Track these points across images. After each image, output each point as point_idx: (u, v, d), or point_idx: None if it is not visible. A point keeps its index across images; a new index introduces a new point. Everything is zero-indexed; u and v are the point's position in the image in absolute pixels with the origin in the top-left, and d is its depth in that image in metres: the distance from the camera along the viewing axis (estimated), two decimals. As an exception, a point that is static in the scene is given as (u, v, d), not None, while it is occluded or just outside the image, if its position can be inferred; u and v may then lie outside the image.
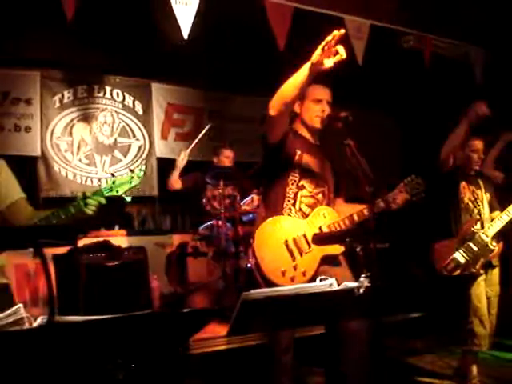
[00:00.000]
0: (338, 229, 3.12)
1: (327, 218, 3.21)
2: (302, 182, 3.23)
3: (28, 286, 5.24)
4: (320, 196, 3.27)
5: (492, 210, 4.36)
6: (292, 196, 3.21)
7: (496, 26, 5.72)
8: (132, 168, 6.55)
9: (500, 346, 4.79)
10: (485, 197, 4.34)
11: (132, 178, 2.65)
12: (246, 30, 5.63)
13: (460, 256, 4.15)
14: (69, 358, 1.61)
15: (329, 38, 2.67)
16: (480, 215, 4.28)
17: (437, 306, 3.64)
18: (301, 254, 3.12)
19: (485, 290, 4.25)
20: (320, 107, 3.25)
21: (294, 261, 3.10)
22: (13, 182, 2.73)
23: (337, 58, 2.73)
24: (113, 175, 2.67)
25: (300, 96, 3.10)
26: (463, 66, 6.07)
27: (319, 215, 3.22)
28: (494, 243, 4.19)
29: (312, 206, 3.22)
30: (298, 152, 3.23)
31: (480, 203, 4.33)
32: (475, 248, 4.15)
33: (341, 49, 2.70)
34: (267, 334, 3.27)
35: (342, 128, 3.08)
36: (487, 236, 4.17)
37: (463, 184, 4.31)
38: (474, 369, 4.29)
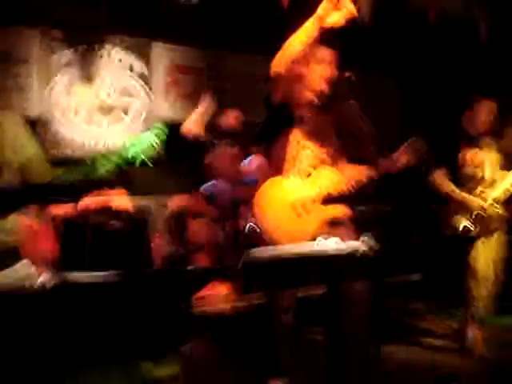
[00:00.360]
0: (345, 190, 3.11)
1: (329, 178, 3.20)
2: (305, 142, 3.21)
3: (33, 247, 5.26)
4: (324, 156, 3.25)
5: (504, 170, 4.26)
6: (294, 155, 3.20)
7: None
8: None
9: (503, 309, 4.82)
10: (489, 157, 4.25)
11: (149, 136, 2.65)
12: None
13: (469, 224, 4.10)
14: (73, 315, 1.63)
15: None
16: (482, 178, 4.22)
17: (437, 267, 3.68)
18: (307, 214, 3.12)
19: (486, 253, 4.22)
20: (324, 67, 3.21)
21: (296, 221, 3.10)
22: (29, 136, 2.72)
23: (346, 14, 2.66)
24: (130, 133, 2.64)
25: (305, 54, 3.06)
26: (467, 23, 5.97)
27: (321, 175, 3.21)
28: (498, 206, 4.14)
29: (315, 166, 3.21)
30: (302, 111, 3.21)
31: (485, 166, 4.24)
32: (479, 212, 4.11)
33: (350, 4, 2.64)
34: (267, 294, 3.30)
35: (345, 88, 3.06)
36: (496, 200, 4.12)
37: (465, 151, 4.25)
38: (474, 331, 4.32)
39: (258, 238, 3.10)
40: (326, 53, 3.24)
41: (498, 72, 6.48)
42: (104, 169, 2.50)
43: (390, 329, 4.48)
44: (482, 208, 4.08)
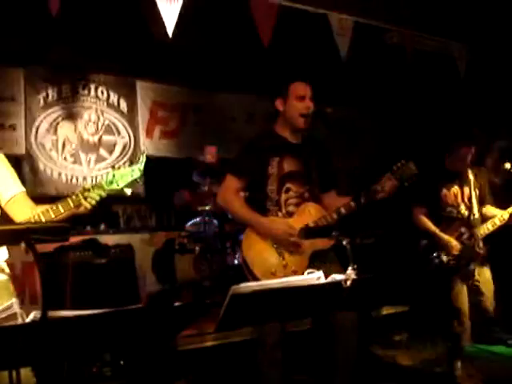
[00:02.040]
0: (325, 223, 3.13)
1: (313, 214, 3.23)
2: (287, 185, 3.25)
3: (15, 286, 5.22)
4: (306, 194, 3.29)
5: (484, 204, 4.34)
6: (275, 202, 3.24)
7: (477, 22, 5.78)
8: (116, 166, 6.55)
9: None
10: (474, 194, 4.29)
11: (133, 170, 2.62)
12: (232, 27, 5.65)
13: (443, 256, 4.18)
14: (60, 352, 1.63)
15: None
16: (469, 217, 4.29)
17: (421, 299, 3.69)
18: (290, 253, 3.14)
19: (478, 289, 4.23)
20: (304, 104, 3.26)
21: (283, 260, 3.12)
22: (13, 175, 2.72)
23: None
24: (113, 167, 2.65)
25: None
26: (446, 60, 6.12)
27: (305, 212, 3.23)
28: (481, 247, 4.20)
29: (299, 206, 3.24)
30: (277, 159, 3.25)
31: (464, 203, 4.29)
32: (459, 247, 4.18)
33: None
34: (257, 328, 3.30)
35: (325, 124, 3.12)
36: (475, 239, 4.15)
37: (444, 190, 4.29)
38: (458, 364, 4.36)
39: (245, 274, 3.11)
40: (303, 87, 3.30)
41: (477, 105, 6.65)
42: (89, 202, 2.50)
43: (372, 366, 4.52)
44: (461, 250, 4.18)
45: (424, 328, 4.54)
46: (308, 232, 2.79)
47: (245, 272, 3.13)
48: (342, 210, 3.13)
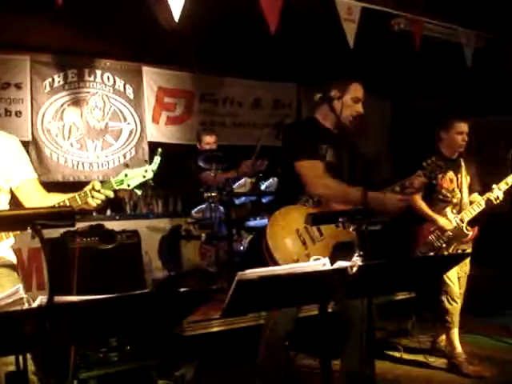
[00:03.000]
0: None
1: (335, 206, 3.23)
2: None
3: (22, 271, 5.26)
4: None
5: (471, 192, 4.44)
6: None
7: (487, 8, 5.72)
8: (126, 161, 6.57)
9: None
10: (464, 180, 4.45)
11: (146, 171, 2.54)
12: (238, 13, 5.60)
13: (434, 239, 4.27)
14: (67, 337, 1.64)
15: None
16: (460, 201, 4.40)
17: (428, 285, 3.71)
18: (313, 243, 3.15)
19: (457, 269, 4.40)
20: (358, 107, 3.29)
21: (306, 249, 3.13)
22: (26, 161, 2.72)
23: None
24: (127, 166, 2.59)
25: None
26: (454, 48, 6.08)
27: (331, 204, 3.23)
28: (469, 228, 4.29)
29: None
30: (324, 147, 3.25)
31: (458, 189, 4.44)
32: (450, 233, 4.26)
33: None
34: (270, 314, 3.32)
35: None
36: (462, 221, 4.27)
37: (440, 176, 4.34)
38: (458, 345, 4.46)
39: (265, 259, 3.12)
40: (361, 91, 3.35)
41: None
42: (95, 202, 2.45)
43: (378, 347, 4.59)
44: (453, 228, 4.29)
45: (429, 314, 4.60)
46: (315, 218, 2.78)
47: (265, 257, 3.12)
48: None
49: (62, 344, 1.62)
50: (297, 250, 3.12)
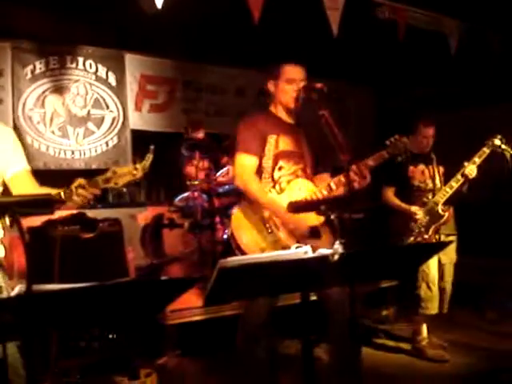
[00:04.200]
0: (315, 199, 3.14)
1: (303, 190, 3.24)
2: (280, 164, 3.26)
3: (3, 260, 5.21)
4: (300, 173, 3.30)
5: (447, 180, 4.50)
6: (270, 179, 3.24)
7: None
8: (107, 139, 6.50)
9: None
10: (436, 170, 4.58)
11: (136, 169, 2.40)
12: (222, 0, 5.57)
13: (413, 225, 4.36)
14: (47, 326, 1.62)
15: None
16: (434, 187, 4.51)
17: (409, 273, 3.73)
18: (279, 229, 3.15)
19: (438, 257, 4.51)
20: (294, 87, 3.26)
21: (274, 236, 3.13)
22: (19, 151, 2.68)
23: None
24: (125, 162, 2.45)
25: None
26: (438, 37, 6.10)
27: (295, 188, 3.25)
28: (444, 209, 4.40)
29: (290, 181, 3.26)
30: (274, 136, 3.25)
31: (431, 179, 4.56)
32: (426, 216, 4.34)
33: None
34: (244, 304, 3.32)
35: (317, 99, 3.10)
36: (437, 203, 4.40)
37: (411, 168, 4.56)
38: (424, 330, 4.53)
39: (233, 249, 3.12)
40: (293, 71, 3.30)
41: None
42: (80, 199, 2.40)
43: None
44: (425, 212, 4.40)
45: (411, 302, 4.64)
46: (296, 206, 2.78)
47: (233, 247, 3.13)
48: (333, 186, 3.14)
49: (42, 333, 1.61)
50: (263, 237, 3.13)
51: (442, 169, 4.59)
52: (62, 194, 2.36)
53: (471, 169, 4.27)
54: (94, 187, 2.38)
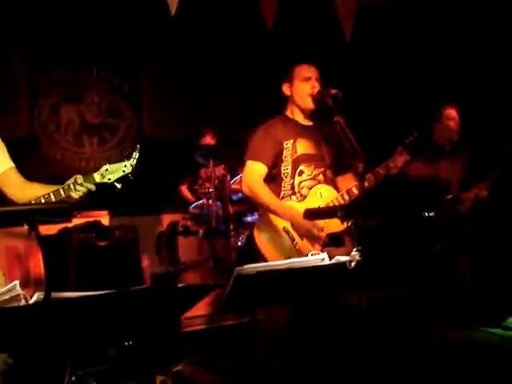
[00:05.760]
0: (339, 205, 3.10)
1: (324, 196, 3.20)
2: (301, 168, 3.23)
3: (19, 268, 5.24)
4: (321, 177, 3.26)
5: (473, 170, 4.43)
6: (289, 186, 3.21)
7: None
8: (126, 153, 6.54)
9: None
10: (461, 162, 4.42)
11: (125, 166, 2.65)
12: (235, 9, 5.60)
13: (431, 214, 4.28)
14: (64, 333, 1.62)
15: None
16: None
17: (426, 280, 3.70)
18: (301, 238, 3.13)
19: None
20: (310, 85, 3.23)
21: (295, 245, 3.11)
22: (5, 151, 2.74)
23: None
24: (125, 160, 2.68)
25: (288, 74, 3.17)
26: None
27: (316, 195, 3.21)
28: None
29: (311, 187, 3.22)
30: (291, 141, 3.23)
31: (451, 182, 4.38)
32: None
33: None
34: (262, 312, 3.29)
35: (333, 105, 3.09)
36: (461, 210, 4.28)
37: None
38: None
39: (257, 258, 3.09)
40: (308, 69, 3.28)
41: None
42: (77, 194, 2.55)
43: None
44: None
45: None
46: (312, 213, 2.76)
47: (256, 256, 3.10)
48: (354, 191, 3.10)
49: (59, 340, 1.61)
50: (286, 247, 3.10)
51: (466, 157, 4.44)
52: (62, 190, 2.55)
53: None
54: (89, 183, 2.58)
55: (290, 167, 3.23)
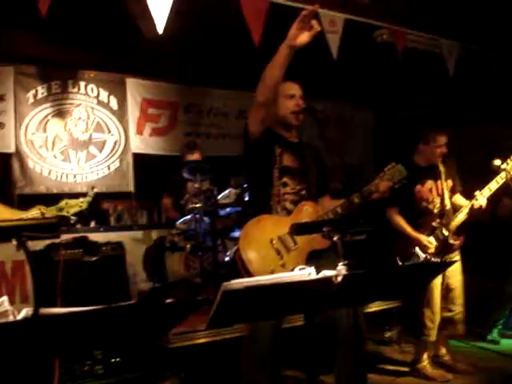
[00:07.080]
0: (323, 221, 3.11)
1: (310, 213, 3.22)
2: (285, 180, 3.25)
3: (5, 285, 5.23)
4: (304, 192, 3.29)
5: (453, 193, 4.44)
6: (276, 194, 3.23)
7: (468, 19, 5.81)
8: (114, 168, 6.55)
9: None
10: (445, 185, 4.42)
11: (82, 202, 2.89)
12: (222, 24, 5.64)
13: (419, 251, 4.24)
14: (52, 349, 1.62)
15: (304, 12, 2.82)
16: (443, 208, 4.35)
17: (412, 293, 3.71)
18: (288, 252, 3.13)
19: (446, 282, 4.41)
20: (294, 102, 3.28)
21: (281, 259, 3.10)
22: None
23: (312, 32, 2.83)
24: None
25: (282, 77, 3.14)
26: (436, 59, 6.15)
27: (302, 211, 3.23)
28: (455, 237, 4.29)
29: (296, 203, 3.25)
30: (279, 150, 3.25)
31: (440, 196, 4.39)
32: (435, 243, 4.24)
33: (315, 23, 2.80)
34: (248, 327, 3.29)
35: (315, 122, 3.13)
36: (447, 234, 4.27)
37: (418, 187, 4.38)
38: (425, 356, 4.50)
39: (240, 272, 3.09)
40: (291, 86, 3.33)
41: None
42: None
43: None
44: (436, 247, 4.25)
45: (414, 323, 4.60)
46: (298, 228, 2.78)
47: (240, 269, 3.09)
48: (339, 210, 3.14)
49: (47, 356, 1.61)
50: (271, 260, 3.08)
51: (450, 183, 4.44)
52: (32, 214, 2.69)
53: (481, 201, 4.20)
54: (50, 214, 2.77)
55: (277, 172, 3.26)
